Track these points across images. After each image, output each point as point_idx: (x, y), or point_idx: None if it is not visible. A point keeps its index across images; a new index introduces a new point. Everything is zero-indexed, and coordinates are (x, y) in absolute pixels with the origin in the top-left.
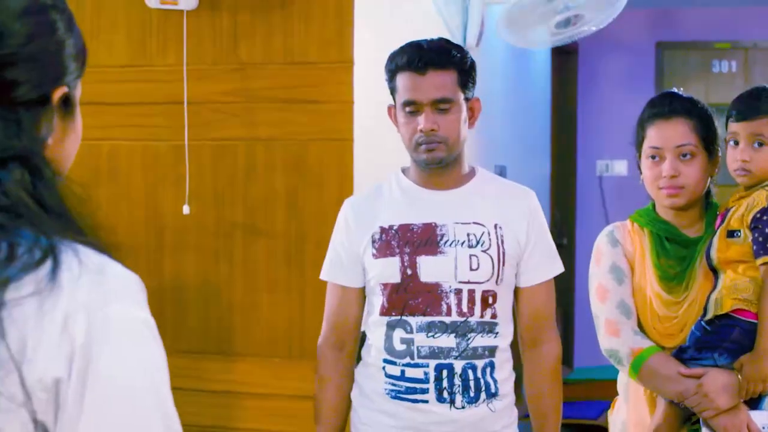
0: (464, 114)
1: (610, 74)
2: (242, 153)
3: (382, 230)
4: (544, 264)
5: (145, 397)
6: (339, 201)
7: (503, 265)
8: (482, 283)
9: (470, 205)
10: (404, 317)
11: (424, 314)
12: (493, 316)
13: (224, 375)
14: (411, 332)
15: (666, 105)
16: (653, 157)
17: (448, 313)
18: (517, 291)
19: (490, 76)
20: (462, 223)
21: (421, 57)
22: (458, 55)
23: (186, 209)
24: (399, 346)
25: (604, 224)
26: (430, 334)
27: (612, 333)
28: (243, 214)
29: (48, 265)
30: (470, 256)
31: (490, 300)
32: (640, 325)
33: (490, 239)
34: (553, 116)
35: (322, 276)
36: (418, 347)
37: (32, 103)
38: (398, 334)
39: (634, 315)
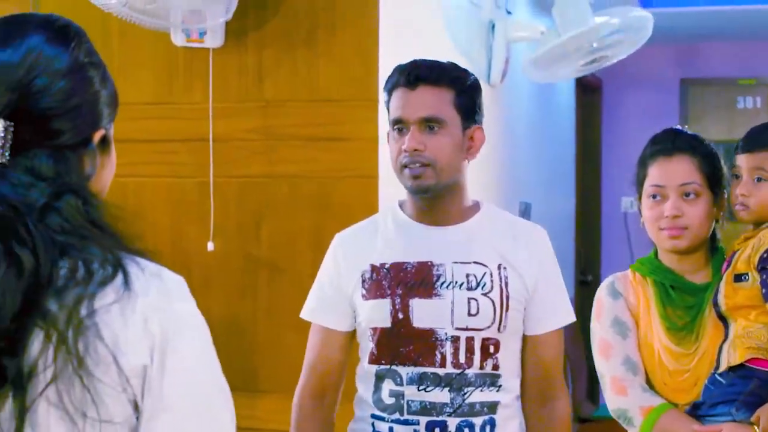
0: (459, 140)
1: (634, 111)
2: (267, 190)
3: (373, 268)
4: (556, 310)
5: (207, 376)
6: None
7: (506, 310)
8: (482, 330)
9: (471, 243)
10: (394, 367)
11: (415, 364)
12: (495, 367)
13: (248, 411)
14: (401, 384)
15: (669, 141)
16: (654, 197)
17: (442, 364)
18: (523, 339)
19: (515, 113)
20: (461, 263)
21: (413, 71)
22: (456, 74)
23: (210, 246)
24: (388, 400)
25: (630, 261)
26: (421, 387)
27: (619, 391)
28: (268, 252)
29: (120, 276)
30: (469, 299)
31: (492, 349)
32: (649, 382)
33: (492, 281)
34: (578, 152)
35: (305, 315)
36: (408, 401)
37: (76, 145)
38: (387, 385)
39: (641, 371)
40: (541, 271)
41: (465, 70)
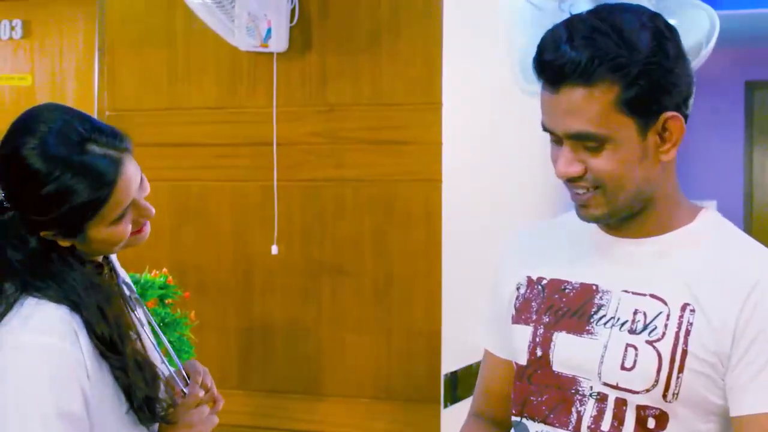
0: (637, 149)
1: (698, 114)
2: (330, 194)
3: (529, 282)
4: None
5: (11, 398)
6: (426, 242)
7: (680, 371)
8: (637, 393)
9: (655, 267)
10: (524, 420)
11: (544, 421)
12: None
13: (310, 415)
14: None
15: None
16: None
17: (576, 428)
18: (733, 422)
19: None
20: (632, 293)
21: (554, 62)
22: (618, 58)
23: (275, 249)
24: None
25: None
26: None
27: None
28: (331, 255)
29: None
30: (627, 345)
31: (652, 423)
32: None
33: (666, 326)
34: None
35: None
36: None
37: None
38: None
39: None
40: (750, 320)
41: (633, 45)
